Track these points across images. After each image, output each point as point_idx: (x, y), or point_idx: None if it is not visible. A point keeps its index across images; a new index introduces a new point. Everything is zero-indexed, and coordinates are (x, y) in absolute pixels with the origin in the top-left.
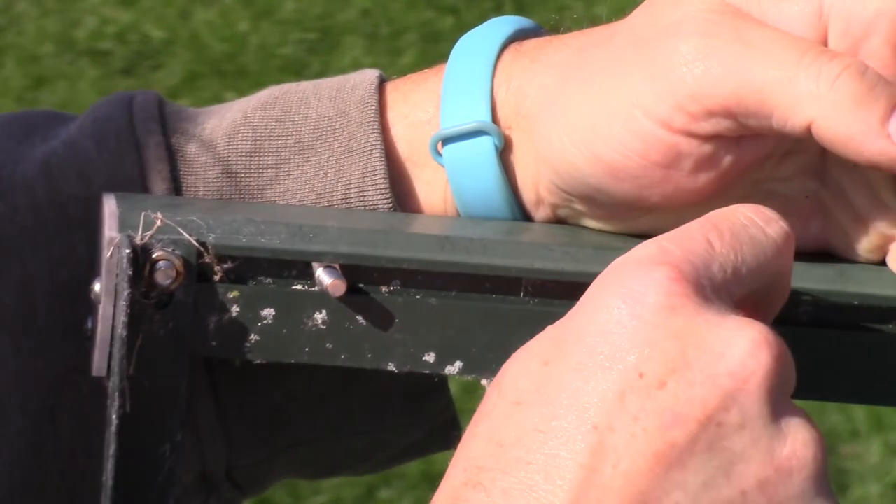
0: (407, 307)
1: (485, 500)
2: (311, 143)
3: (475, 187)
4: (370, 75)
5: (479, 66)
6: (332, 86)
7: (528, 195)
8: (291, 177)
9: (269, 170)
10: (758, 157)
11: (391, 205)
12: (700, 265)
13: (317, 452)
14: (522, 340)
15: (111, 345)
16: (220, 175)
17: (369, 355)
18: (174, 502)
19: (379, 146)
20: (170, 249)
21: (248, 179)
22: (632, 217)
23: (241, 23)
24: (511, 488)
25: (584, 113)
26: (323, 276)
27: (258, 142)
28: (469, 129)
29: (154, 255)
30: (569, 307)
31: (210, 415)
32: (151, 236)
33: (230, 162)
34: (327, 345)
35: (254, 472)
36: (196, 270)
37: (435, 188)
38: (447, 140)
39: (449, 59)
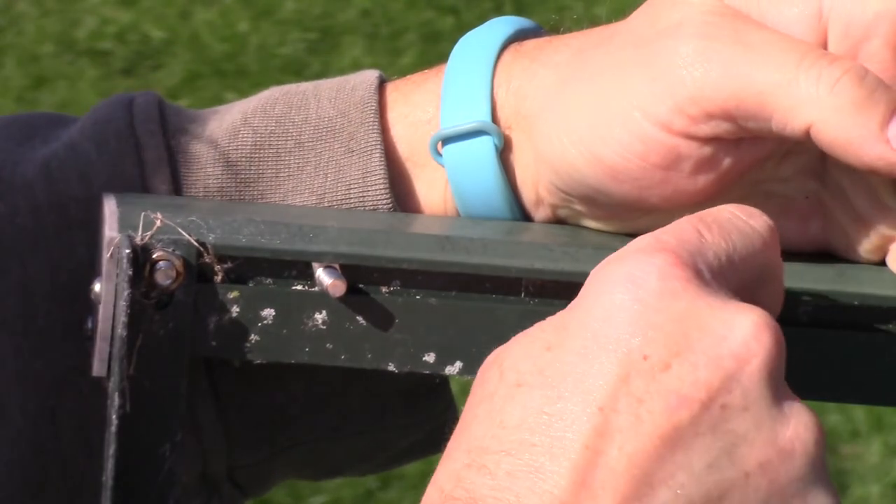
0: (407, 307)
1: (490, 482)
2: (311, 143)
3: (475, 187)
4: (370, 76)
5: (479, 66)
6: (332, 87)
7: (527, 195)
8: (291, 177)
9: (270, 170)
10: (757, 158)
11: (391, 205)
12: (696, 252)
13: (317, 453)
14: None
15: (111, 345)
16: (220, 176)
17: (369, 355)
18: (174, 502)
19: (379, 146)
20: (170, 249)
21: (248, 180)
22: (631, 218)
23: (241, 23)
24: (516, 470)
25: (583, 114)
26: (323, 276)
27: (258, 142)
28: (469, 129)
29: (154, 256)
30: None
31: (210, 415)
32: (151, 236)
33: (230, 162)
34: (327, 345)
35: (255, 473)
36: (196, 270)
37: (435, 188)
38: (447, 140)
39: (449, 60)
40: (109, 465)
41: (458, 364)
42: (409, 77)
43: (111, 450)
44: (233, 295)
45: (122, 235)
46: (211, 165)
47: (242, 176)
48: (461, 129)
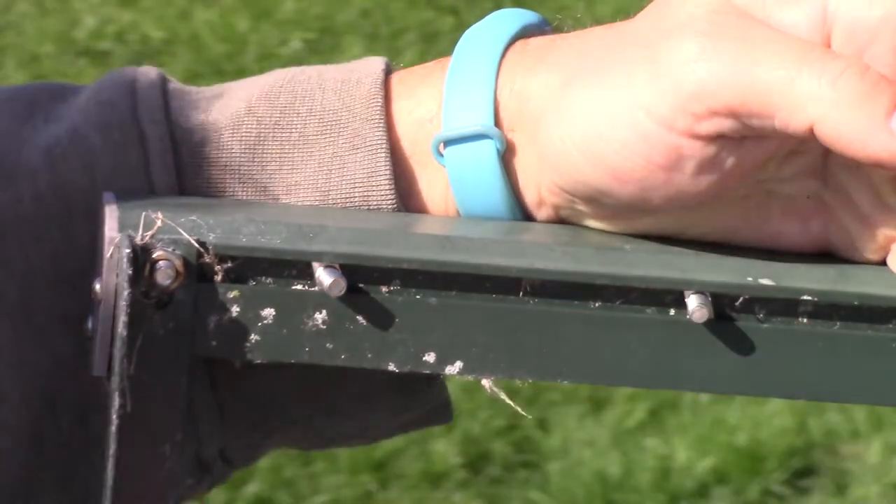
0: (407, 307)
1: None
2: (315, 137)
3: (476, 189)
4: (375, 67)
5: (484, 65)
6: (337, 77)
7: (529, 196)
8: (295, 171)
9: (273, 163)
10: (760, 158)
11: (395, 205)
12: None
13: (309, 431)
14: (522, 340)
15: (111, 344)
16: (223, 168)
17: (369, 355)
18: (174, 502)
19: (384, 145)
20: (170, 249)
21: (251, 172)
22: (633, 218)
23: (241, 23)
24: None
25: (587, 115)
26: (323, 275)
27: (262, 133)
28: (471, 132)
29: (154, 255)
30: (569, 307)
31: (207, 402)
32: (152, 236)
33: (234, 154)
34: (327, 345)
35: (246, 452)
36: (196, 270)
37: (436, 187)
38: (449, 142)
39: (453, 56)
40: (109, 464)
41: (459, 364)
42: (415, 69)
43: (111, 450)
44: (233, 294)
45: (122, 235)
46: (214, 157)
47: (246, 168)
48: (463, 132)
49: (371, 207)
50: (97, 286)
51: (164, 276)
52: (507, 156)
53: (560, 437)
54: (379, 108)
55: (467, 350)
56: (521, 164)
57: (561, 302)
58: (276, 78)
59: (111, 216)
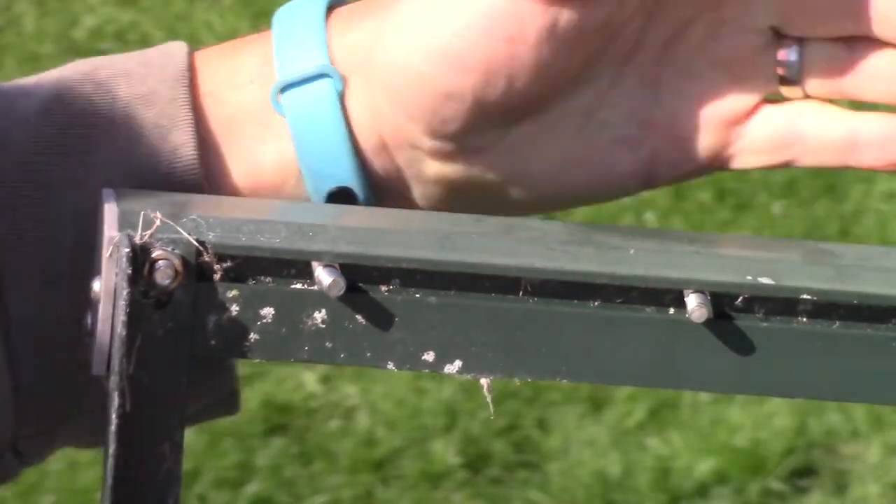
0: (406, 306)
1: None
2: (123, 120)
3: (316, 132)
4: (178, 50)
5: (311, 20)
6: (141, 61)
7: (367, 142)
8: (100, 152)
9: (81, 146)
10: (598, 24)
11: (198, 174)
12: None
13: (98, 420)
14: (522, 340)
15: (110, 344)
16: (32, 154)
17: (368, 354)
18: (174, 502)
19: (188, 120)
20: (169, 249)
21: (59, 154)
22: (474, 153)
23: (241, 23)
24: None
25: (422, 15)
26: (322, 275)
27: (68, 122)
28: (310, 73)
29: (153, 255)
30: (568, 306)
31: (4, 386)
32: (151, 235)
33: (42, 139)
34: (327, 344)
35: (36, 442)
36: (195, 270)
37: (269, 144)
38: (286, 88)
39: (274, 20)
40: (109, 464)
41: (458, 363)
42: (227, 45)
43: (111, 449)
44: (232, 294)
45: (121, 234)
46: (22, 142)
47: (55, 151)
48: (302, 74)
49: (176, 179)
50: (96, 285)
51: (163, 276)
52: (343, 102)
53: (560, 437)
54: (184, 87)
55: (466, 349)
56: (354, 107)
57: (560, 301)
58: (76, 68)
59: (110, 214)
